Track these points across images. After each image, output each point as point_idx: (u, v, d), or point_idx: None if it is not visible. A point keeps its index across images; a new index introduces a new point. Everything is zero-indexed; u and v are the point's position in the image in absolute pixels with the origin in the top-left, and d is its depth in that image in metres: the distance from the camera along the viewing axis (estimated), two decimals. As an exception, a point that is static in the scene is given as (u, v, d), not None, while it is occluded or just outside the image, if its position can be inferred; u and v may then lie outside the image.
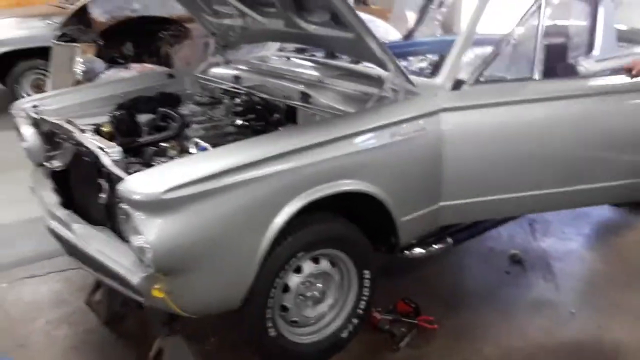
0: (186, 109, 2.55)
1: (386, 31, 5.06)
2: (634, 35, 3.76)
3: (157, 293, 1.77)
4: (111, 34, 4.74)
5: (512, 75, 2.53)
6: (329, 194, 1.97)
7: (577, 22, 3.21)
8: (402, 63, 3.86)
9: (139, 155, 2.21)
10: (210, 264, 1.79)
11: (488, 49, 3.61)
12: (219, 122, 2.49)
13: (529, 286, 2.85)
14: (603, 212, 3.66)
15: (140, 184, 1.69)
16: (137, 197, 1.66)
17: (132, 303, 2.48)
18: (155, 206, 1.65)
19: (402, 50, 3.93)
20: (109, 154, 1.94)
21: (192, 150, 2.14)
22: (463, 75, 2.37)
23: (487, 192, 2.45)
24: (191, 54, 4.71)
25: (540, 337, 2.46)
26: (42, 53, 5.83)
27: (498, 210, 2.57)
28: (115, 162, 1.93)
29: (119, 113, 2.48)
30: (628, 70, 2.58)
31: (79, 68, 4.34)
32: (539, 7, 2.45)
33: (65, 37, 4.90)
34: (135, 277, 1.79)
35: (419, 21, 4.02)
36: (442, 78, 2.36)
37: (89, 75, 4.36)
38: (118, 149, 1.99)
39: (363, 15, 5.01)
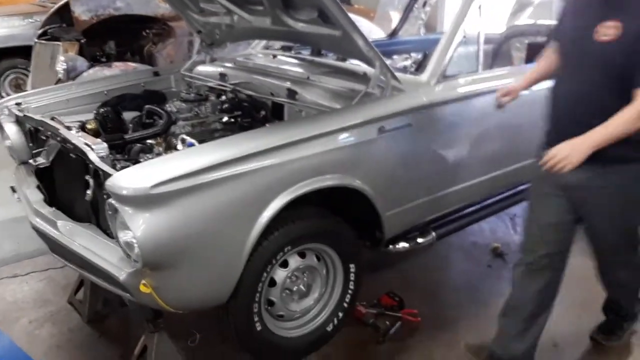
0: (172, 106, 2.55)
1: (370, 30, 5.12)
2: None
3: (144, 288, 1.77)
4: (93, 32, 4.69)
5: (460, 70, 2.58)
6: (315, 188, 1.99)
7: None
8: (387, 61, 3.96)
9: (125, 152, 2.21)
10: (197, 258, 1.80)
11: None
12: (205, 119, 2.50)
13: (509, 279, 2.89)
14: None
15: (129, 179, 1.69)
16: (125, 192, 1.66)
17: (114, 301, 2.49)
18: (143, 201, 1.66)
19: (386, 48, 3.99)
20: (95, 150, 1.94)
21: (179, 146, 2.14)
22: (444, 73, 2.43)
23: (464, 180, 2.58)
24: (175, 52, 4.69)
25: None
26: (22, 52, 5.78)
27: (474, 195, 2.72)
28: (102, 158, 1.93)
29: (104, 110, 2.47)
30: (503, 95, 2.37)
31: (60, 67, 4.29)
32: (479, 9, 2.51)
33: (47, 36, 4.85)
34: (122, 273, 1.79)
35: (403, 20, 4.07)
36: (427, 75, 2.40)
37: (71, 74, 4.30)
38: (104, 145, 1.99)
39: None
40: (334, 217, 2.19)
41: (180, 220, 1.72)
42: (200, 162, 1.76)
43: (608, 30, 1.73)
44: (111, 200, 1.71)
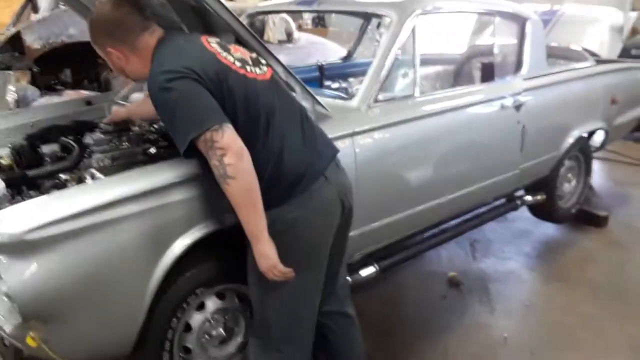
0: (90, 138, 2.41)
1: (334, 51, 5.07)
2: (569, 53, 3.80)
3: (30, 341, 1.61)
4: (48, 60, 4.59)
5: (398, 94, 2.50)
6: (229, 225, 1.84)
7: (507, 40, 3.21)
8: (343, 84, 3.85)
9: (37, 189, 2.06)
10: (90, 308, 1.63)
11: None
12: (127, 151, 2.35)
13: (463, 311, 2.75)
14: (545, 229, 3.60)
15: (2, 222, 1.54)
16: (-4, 238, 1.51)
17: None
18: (18, 248, 1.50)
19: (341, 71, 3.90)
20: (-12, 189, 1.79)
21: (88, 181, 1.99)
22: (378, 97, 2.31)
23: (398, 210, 2.43)
24: (130, 79, 4.58)
25: (470, 366, 2.35)
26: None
27: (410, 225, 2.57)
28: (-1, 198, 1.78)
29: (19, 144, 2.33)
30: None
31: (10, 96, 4.16)
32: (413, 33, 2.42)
33: (-2, 65, 4.74)
34: (8, 325, 1.62)
35: (357, 42, 3.98)
36: (358, 100, 2.28)
37: (22, 104, 4.19)
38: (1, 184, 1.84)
39: (314, 38, 4.95)
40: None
41: (64, 268, 1.56)
42: (87, 202, 1.61)
43: None
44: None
